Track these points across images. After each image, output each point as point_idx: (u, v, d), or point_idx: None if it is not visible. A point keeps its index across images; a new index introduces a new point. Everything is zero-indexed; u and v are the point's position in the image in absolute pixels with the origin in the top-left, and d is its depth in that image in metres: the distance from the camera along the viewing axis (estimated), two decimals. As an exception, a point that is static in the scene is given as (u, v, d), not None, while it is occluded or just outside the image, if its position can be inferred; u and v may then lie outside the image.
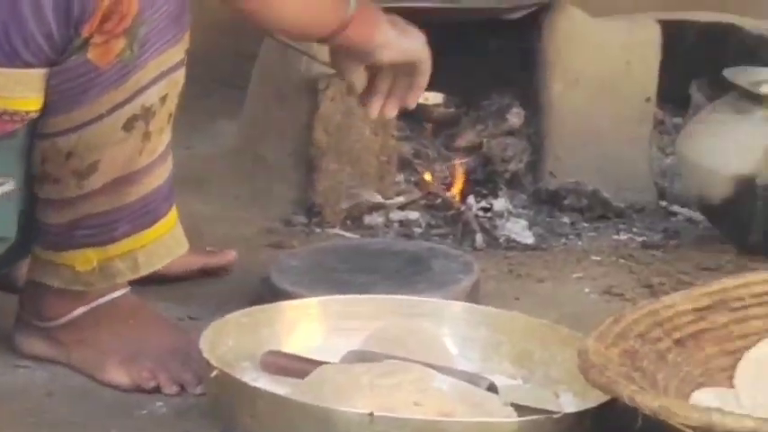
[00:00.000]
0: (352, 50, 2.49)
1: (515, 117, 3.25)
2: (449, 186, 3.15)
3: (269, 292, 2.53)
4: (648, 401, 2.06)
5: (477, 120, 3.27)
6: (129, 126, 2.24)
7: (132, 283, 2.41)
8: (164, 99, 2.26)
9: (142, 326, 2.41)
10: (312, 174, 3.06)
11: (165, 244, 2.35)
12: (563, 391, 2.31)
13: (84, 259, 2.32)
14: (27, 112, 2.21)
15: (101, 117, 2.22)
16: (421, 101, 3.26)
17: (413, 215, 3.08)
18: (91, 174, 2.26)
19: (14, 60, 2.17)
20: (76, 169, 2.26)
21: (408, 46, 2.54)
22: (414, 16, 3.25)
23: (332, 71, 3.08)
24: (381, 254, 2.75)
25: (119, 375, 2.35)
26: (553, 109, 3.25)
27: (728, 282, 2.40)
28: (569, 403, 2.26)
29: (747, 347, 2.33)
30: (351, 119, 3.10)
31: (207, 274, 2.75)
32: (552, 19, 3.25)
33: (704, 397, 2.23)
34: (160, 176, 2.31)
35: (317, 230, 3.04)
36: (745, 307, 2.37)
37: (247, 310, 2.38)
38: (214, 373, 2.17)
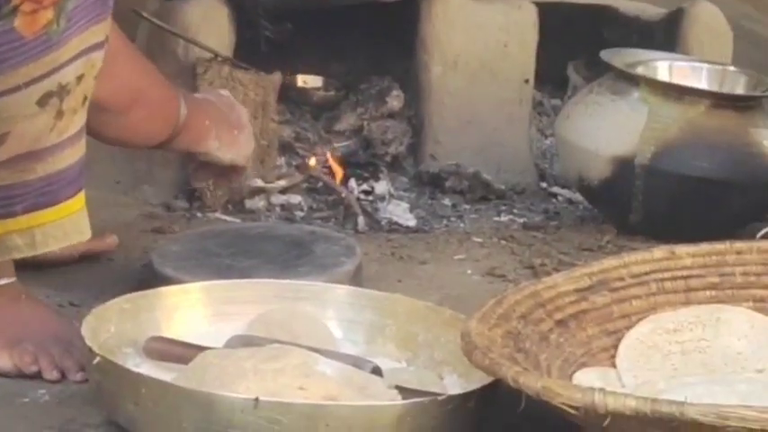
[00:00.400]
0: (183, 152, 2.78)
1: (395, 100, 3.26)
2: (330, 170, 3.16)
3: (151, 278, 2.52)
4: (531, 382, 2.07)
5: (357, 103, 3.28)
6: (43, 102, 2.22)
7: (17, 268, 2.40)
8: (80, 78, 2.24)
9: (24, 312, 2.39)
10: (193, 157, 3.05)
11: (63, 227, 2.33)
12: (447, 373, 2.32)
13: None
14: None
15: (17, 89, 2.20)
16: (300, 84, 3.28)
17: (294, 199, 3.08)
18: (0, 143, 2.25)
19: None
20: None
21: (229, 157, 2.78)
22: (288, 2, 3.27)
23: (210, 55, 3.09)
24: (263, 238, 2.74)
25: (1, 359, 2.34)
26: (432, 91, 3.26)
27: (609, 262, 2.41)
28: (454, 385, 2.27)
29: (628, 327, 2.35)
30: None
31: (88, 259, 2.73)
32: (430, 1, 3.25)
33: (586, 377, 2.26)
34: (68, 158, 2.29)
35: (199, 215, 3.04)
36: (626, 287, 2.38)
37: (129, 295, 2.36)
38: (96, 360, 2.16)
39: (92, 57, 2.25)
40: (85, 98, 2.28)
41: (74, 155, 2.30)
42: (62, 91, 2.23)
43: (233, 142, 2.76)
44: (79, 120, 2.29)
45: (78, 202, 2.34)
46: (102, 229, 2.80)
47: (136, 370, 2.18)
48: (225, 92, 2.87)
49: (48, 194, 2.29)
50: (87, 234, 2.37)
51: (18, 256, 2.33)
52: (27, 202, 2.28)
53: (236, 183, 2.94)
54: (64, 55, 2.21)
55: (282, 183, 3.13)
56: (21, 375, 2.33)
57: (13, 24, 2.17)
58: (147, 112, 2.59)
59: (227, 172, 2.84)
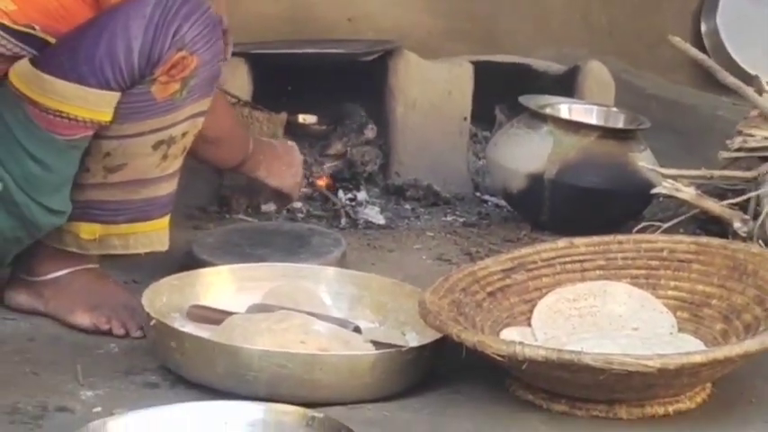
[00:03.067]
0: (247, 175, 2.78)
1: (370, 132, 3.25)
2: (323, 183, 3.14)
3: (191, 262, 2.51)
4: (470, 338, 2.09)
5: (342, 134, 3.25)
6: (156, 146, 2.27)
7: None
8: (185, 134, 2.30)
9: (101, 286, 2.40)
10: (222, 175, 3.04)
11: (150, 238, 2.37)
12: (408, 331, 2.32)
13: (90, 230, 2.33)
14: (102, 122, 2.22)
15: (141, 134, 2.25)
16: (300, 120, 3.27)
17: (297, 205, 3.06)
18: (116, 171, 2.29)
19: (104, 86, 2.20)
20: (107, 165, 2.28)
21: (275, 184, 2.79)
22: (293, 59, 3.27)
23: (234, 99, 3.08)
24: (274, 233, 2.75)
25: (83, 319, 2.35)
26: (397, 126, 3.24)
27: (525, 250, 2.42)
28: (413, 340, 2.28)
29: (540, 297, 2.36)
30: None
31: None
32: (395, 60, 3.24)
33: (509, 333, 2.26)
34: (164, 189, 2.34)
35: (227, 216, 3.01)
36: (538, 268, 2.39)
37: (176, 275, 2.38)
38: (153, 322, 2.17)
39: (197, 120, 2.30)
40: (185, 148, 2.32)
41: (168, 188, 2.34)
42: (171, 141, 2.28)
43: (279, 174, 2.77)
44: (177, 163, 2.33)
45: (164, 221, 2.37)
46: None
47: (181, 329, 2.19)
48: (291, 142, 2.90)
49: (144, 212, 2.34)
50: (166, 245, 2.40)
51: (113, 252, 2.36)
52: (128, 215, 2.33)
53: (282, 204, 2.96)
54: (180, 116, 2.26)
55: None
56: (97, 332, 2.34)
57: (150, 89, 2.22)
58: (228, 145, 2.61)
59: (278, 195, 2.86)
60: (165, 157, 2.28)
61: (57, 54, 2.21)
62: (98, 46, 2.18)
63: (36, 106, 2.19)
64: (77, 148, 2.24)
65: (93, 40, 2.18)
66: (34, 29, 2.25)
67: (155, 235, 2.36)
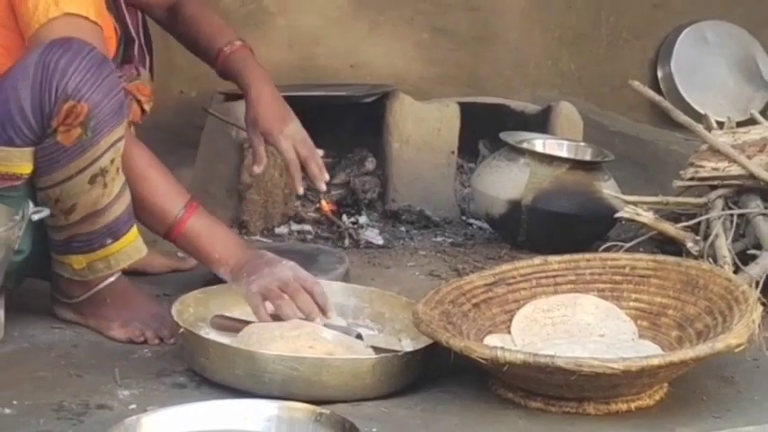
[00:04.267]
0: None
1: (370, 164, 3.24)
2: (329, 209, 3.14)
3: (215, 278, 2.47)
4: (457, 344, 2.08)
5: (345, 166, 3.25)
6: (92, 181, 2.19)
7: (130, 274, 2.38)
8: (113, 161, 2.19)
9: (134, 301, 2.37)
10: (241, 202, 3.04)
11: (126, 252, 2.29)
12: (404, 338, 2.31)
13: (77, 261, 2.28)
14: (22, 174, 2.17)
15: (71, 177, 2.18)
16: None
17: (306, 227, 3.06)
18: (72, 212, 2.22)
19: (10, 143, 2.15)
20: (62, 209, 2.21)
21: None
22: (303, 101, 3.26)
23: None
24: (287, 252, 2.70)
25: (119, 333, 2.33)
26: (393, 159, 3.22)
27: (505, 266, 2.41)
28: (408, 345, 2.27)
29: (518, 308, 2.35)
30: (266, 166, 3.07)
31: (176, 271, 2.69)
32: (391, 102, 3.23)
33: (492, 340, 2.26)
34: (118, 209, 2.25)
35: (246, 238, 2.99)
36: (516, 282, 2.38)
37: (201, 289, 2.36)
38: (181, 330, 2.17)
39: (118, 146, 2.20)
40: (118, 168, 2.22)
41: (122, 206, 2.25)
42: (103, 172, 2.19)
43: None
44: (119, 183, 2.23)
45: (133, 233, 2.29)
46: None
47: (206, 336, 2.18)
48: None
49: (111, 234, 2.26)
50: (144, 251, 2.31)
51: (102, 275, 2.30)
52: (99, 242, 2.26)
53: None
54: (98, 151, 2.17)
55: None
56: (132, 342, 2.32)
57: (57, 139, 2.15)
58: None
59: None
60: (104, 185, 2.20)
61: None
62: None
63: None
64: (8, 197, 2.18)
65: None
66: None
67: (129, 249, 2.29)
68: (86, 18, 2.19)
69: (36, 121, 2.13)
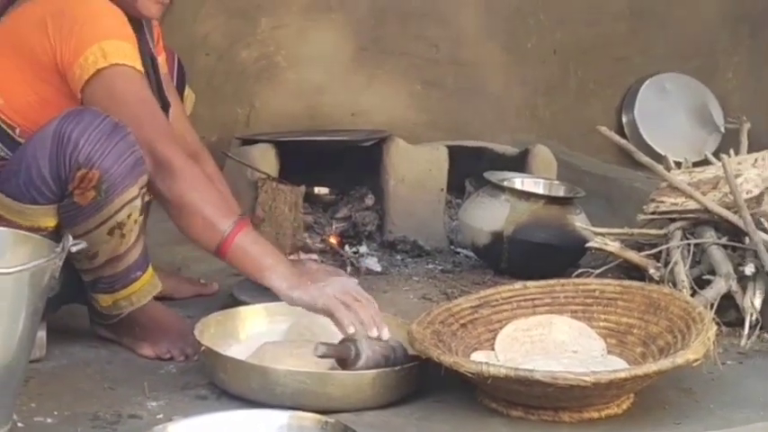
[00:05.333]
0: None
1: (369, 200, 3.24)
2: (333, 240, 3.13)
3: (233, 302, 2.48)
4: (447, 359, 2.08)
5: (347, 202, 3.25)
6: (110, 233, 2.18)
7: (159, 299, 2.37)
8: (129, 216, 2.18)
9: (161, 321, 2.36)
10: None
11: (146, 289, 2.29)
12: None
13: (104, 300, 2.29)
14: (48, 227, 2.16)
15: (90, 231, 2.17)
16: (315, 191, 3.25)
17: (313, 257, 3.02)
18: (95, 257, 2.21)
19: (35, 202, 2.15)
20: (87, 255, 2.20)
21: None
22: (310, 144, 3.28)
23: (264, 176, 3.07)
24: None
25: (148, 351, 2.33)
26: (390, 196, 3.22)
27: (489, 291, 2.42)
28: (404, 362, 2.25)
29: (501, 328, 2.35)
30: (276, 202, 3.06)
31: (199, 296, 2.68)
32: (388, 145, 3.23)
33: (477, 356, 2.25)
34: (135, 254, 2.24)
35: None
36: (499, 305, 2.38)
37: (221, 312, 2.36)
38: (203, 348, 2.16)
39: (133, 204, 2.17)
40: (136, 221, 2.19)
41: (137, 251, 2.24)
42: (120, 225, 2.18)
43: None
44: (135, 233, 2.21)
45: (149, 273, 2.28)
46: (206, 275, 2.78)
47: (225, 354, 2.17)
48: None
49: (130, 276, 2.26)
50: (159, 287, 2.31)
51: (125, 311, 2.29)
52: (121, 282, 2.26)
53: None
54: (112, 209, 2.16)
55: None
56: (160, 359, 2.32)
57: (74, 200, 2.15)
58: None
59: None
60: (122, 236, 2.19)
61: (3, 173, 2.17)
62: (21, 173, 2.14)
63: None
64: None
65: (19, 167, 2.14)
66: (15, 131, 2.22)
67: (148, 286, 2.29)
68: (132, 67, 2.19)
69: (55, 185, 2.14)
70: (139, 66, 2.22)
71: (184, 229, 2.17)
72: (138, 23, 2.35)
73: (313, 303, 2.14)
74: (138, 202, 2.18)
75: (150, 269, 2.29)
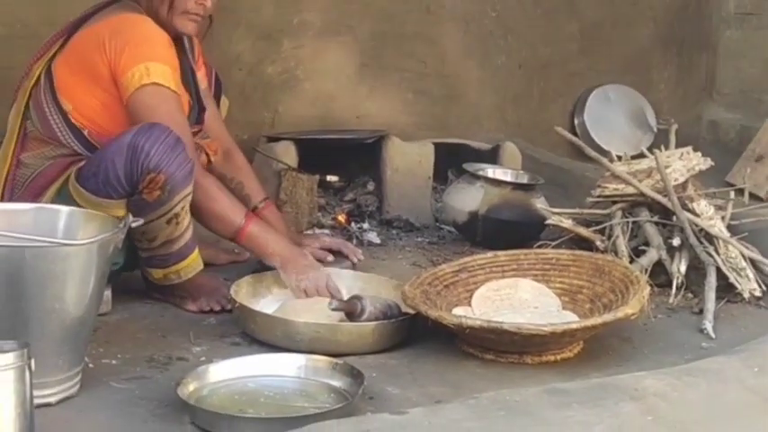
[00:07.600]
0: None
1: (371, 186, 3.22)
2: (342, 219, 3.11)
3: (262, 268, 2.46)
4: (432, 314, 2.09)
5: (353, 188, 3.24)
6: (168, 222, 2.20)
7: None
8: (183, 208, 2.20)
9: (202, 283, 2.35)
10: (280, 213, 3.02)
11: (191, 266, 2.29)
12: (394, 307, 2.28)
13: (156, 273, 2.29)
14: (119, 216, 2.11)
15: (152, 220, 2.18)
16: (328, 179, 3.24)
17: (325, 231, 3.03)
18: (154, 240, 2.22)
19: (109, 197, 2.15)
20: (147, 238, 2.22)
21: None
22: (323, 142, 3.26)
23: (286, 167, 3.06)
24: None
25: (192, 307, 2.32)
26: (387, 183, 3.19)
27: (467, 259, 2.42)
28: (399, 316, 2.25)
29: (476, 289, 2.34)
30: (296, 188, 3.04)
31: (234, 263, 2.67)
32: (386, 142, 3.21)
33: (457, 311, 2.25)
34: (186, 237, 2.25)
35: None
36: (474, 270, 2.38)
37: (251, 275, 2.35)
38: (236, 305, 2.16)
39: (187, 199, 2.20)
40: (187, 212, 2.21)
41: (187, 235, 2.25)
42: (176, 216, 2.19)
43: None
44: (186, 221, 2.23)
45: (195, 253, 2.29)
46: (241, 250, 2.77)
47: (255, 309, 2.17)
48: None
49: (181, 255, 2.26)
50: (201, 266, 2.31)
51: (173, 282, 2.30)
52: (174, 260, 2.26)
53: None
54: (172, 204, 2.17)
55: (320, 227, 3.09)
56: (202, 312, 2.31)
57: (142, 197, 2.15)
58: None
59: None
60: (177, 224, 2.21)
61: (84, 172, 2.18)
62: (99, 174, 2.14)
63: (78, 206, 2.12)
64: None
65: (98, 169, 2.15)
66: (84, 132, 2.22)
67: (194, 263, 2.29)
68: (168, 88, 2.20)
69: (128, 185, 2.14)
70: (175, 87, 2.23)
71: (205, 225, 2.27)
72: (180, 42, 2.35)
73: (292, 286, 2.26)
74: (191, 198, 2.20)
75: (196, 251, 2.30)
